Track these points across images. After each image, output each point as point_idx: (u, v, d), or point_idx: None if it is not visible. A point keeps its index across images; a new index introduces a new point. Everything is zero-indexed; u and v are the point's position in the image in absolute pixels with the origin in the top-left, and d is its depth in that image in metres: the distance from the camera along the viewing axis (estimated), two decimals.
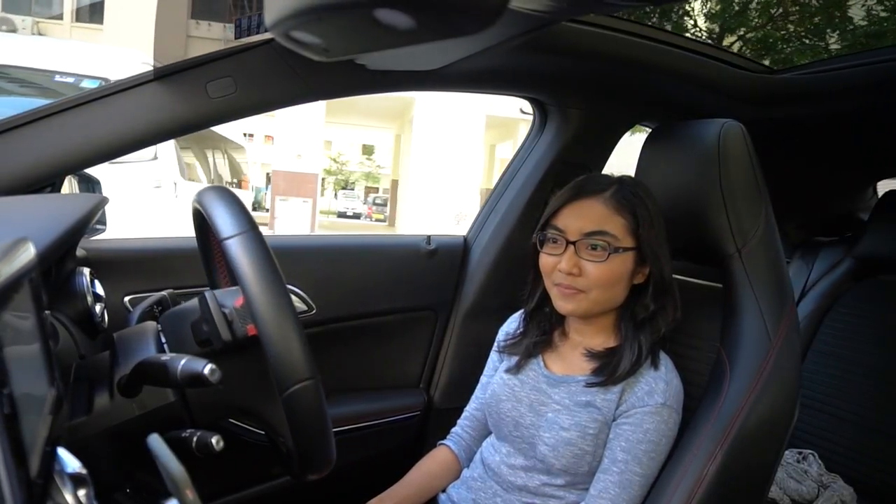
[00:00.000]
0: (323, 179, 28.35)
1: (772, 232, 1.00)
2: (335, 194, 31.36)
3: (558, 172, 1.34)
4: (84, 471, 0.46)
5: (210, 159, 5.63)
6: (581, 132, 1.33)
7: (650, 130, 1.19)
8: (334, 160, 29.22)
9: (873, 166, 1.80)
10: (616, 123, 1.38)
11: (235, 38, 0.93)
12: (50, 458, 0.45)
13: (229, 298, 0.67)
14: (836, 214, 1.90)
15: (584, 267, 0.91)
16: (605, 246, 0.91)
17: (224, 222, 0.63)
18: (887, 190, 1.69)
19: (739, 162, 0.97)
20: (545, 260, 0.96)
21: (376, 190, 31.79)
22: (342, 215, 25.53)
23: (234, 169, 6.49)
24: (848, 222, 1.87)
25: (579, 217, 0.93)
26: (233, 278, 0.84)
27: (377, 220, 23.84)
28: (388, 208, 21.85)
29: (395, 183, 18.38)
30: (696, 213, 1.00)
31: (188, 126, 0.96)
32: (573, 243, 0.92)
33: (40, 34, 12.05)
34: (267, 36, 0.92)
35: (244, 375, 0.70)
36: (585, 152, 1.36)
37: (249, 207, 6.25)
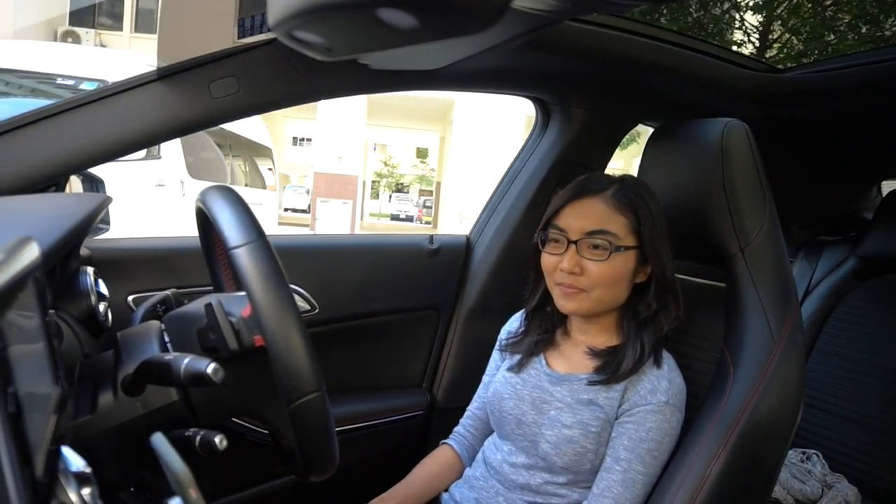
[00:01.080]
0: (374, 182, 28.23)
1: (775, 231, 1.00)
2: (389, 197, 31.35)
3: (561, 172, 1.34)
4: (88, 469, 0.46)
5: (230, 164, 5.73)
6: (584, 132, 1.33)
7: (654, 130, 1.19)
8: (385, 163, 29.10)
9: (877, 166, 1.80)
10: (619, 123, 1.38)
11: (238, 38, 0.93)
12: (54, 457, 0.45)
13: (236, 307, 0.67)
14: (839, 214, 1.90)
15: (586, 266, 0.91)
16: (607, 245, 0.91)
17: (231, 230, 0.63)
18: (891, 189, 1.69)
19: (742, 161, 0.97)
20: (547, 259, 0.96)
21: (430, 193, 31.59)
22: (395, 218, 25.62)
23: (263, 172, 6.58)
24: (852, 222, 1.87)
25: (580, 216, 0.93)
26: (237, 282, 0.84)
27: (426, 223, 23.96)
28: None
29: (438, 185, 18.34)
30: (699, 212, 1.00)
31: (191, 125, 0.96)
32: (574, 242, 0.92)
33: (102, 45, 12.26)
34: (269, 36, 0.92)
35: (249, 380, 0.70)
36: (588, 152, 1.36)
37: (257, 210, 6.28)
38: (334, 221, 11.15)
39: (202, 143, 5.17)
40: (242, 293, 0.65)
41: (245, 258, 0.61)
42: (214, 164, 5.31)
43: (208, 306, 0.66)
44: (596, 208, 0.93)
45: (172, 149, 4.43)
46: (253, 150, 6.35)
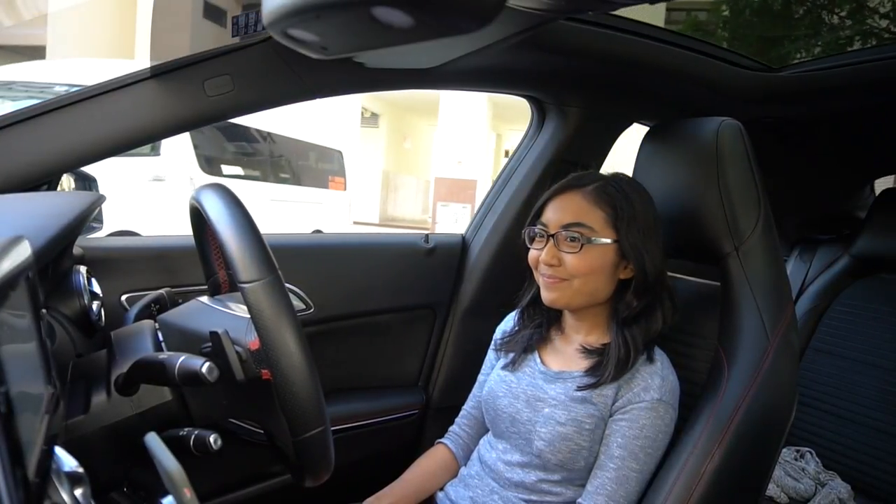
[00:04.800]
0: None
1: (769, 230, 1.00)
2: None
3: (556, 171, 1.34)
4: (81, 469, 0.46)
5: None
6: (579, 131, 1.33)
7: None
8: None
9: (871, 164, 1.81)
10: (614, 122, 1.38)
11: (233, 36, 0.93)
12: (47, 457, 0.45)
13: (242, 336, 0.67)
14: (833, 212, 1.91)
15: (563, 258, 0.93)
16: (580, 237, 0.92)
17: (243, 263, 0.61)
18: (884, 188, 1.70)
19: (737, 160, 0.97)
20: (532, 254, 0.98)
21: None
22: None
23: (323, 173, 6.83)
24: (845, 220, 1.88)
25: (560, 210, 0.95)
26: (233, 284, 0.83)
27: None
28: None
29: None
30: (694, 211, 1.00)
31: (186, 124, 0.96)
32: (553, 236, 0.94)
33: None
34: (265, 34, 0.92)
35: (247, 393, 0.69)
36: (583, 151, 1.36)
37: (316, 209, 6.42)
38: (453, 224, 11.32)
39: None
40: (246, 316, 0.64)
41: (258, 296, 0.60)
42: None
43: (214, 335, 0.65)
44: (574, 202, 0.95)
45: (177, 146, 4.57)
46: (317, 153, 6.62)
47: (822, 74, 1.30)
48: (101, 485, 0.62)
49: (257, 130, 5.70)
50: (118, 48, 8.92)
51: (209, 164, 5.09)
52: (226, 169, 5.32)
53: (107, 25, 9.13)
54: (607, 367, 0.92)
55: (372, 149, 14.51)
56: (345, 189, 7.11)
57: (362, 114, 13.58)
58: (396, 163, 15.89)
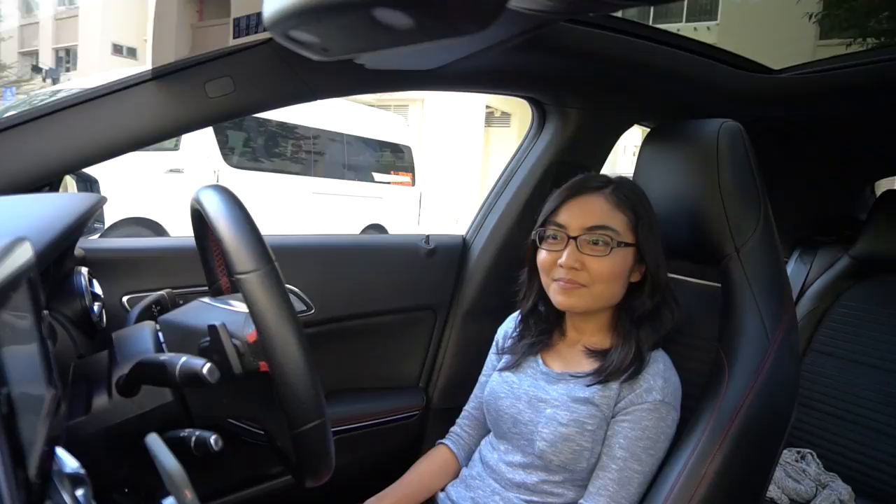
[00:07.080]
0: None
1: (770, 231, 1.00)
2: None
3: (557, 173, 1.34)
4: (82, 471, 0.46)
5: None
6: (579, 132, 1.33)
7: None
8: None
9: (871, 166, 1.81)
10: (615, 124, 1.38)
11: (234, 38, 0.93)
12: (48, 459, 0.45)
13: (240, 329, 0.67)
14: (834, 214, 1.91)
15: (586, 262, 0.92)
16: (608, 240, 0.91)
17: (238, 254, 0.62)
18: (885, 190, 1.70)
19: (737, 162, 0.98)
20: (544, 256, 0.96)
21: None
22: None
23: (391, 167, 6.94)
24: (846, 222, 1.88)
25: (581, 213, 0.94)
26: (233, 284, 0.84)
27: None
28: None
29: None
30: (695, 212, 1.01)
31: (187, 125, 0.96)
32: (574, 238, 0.93)
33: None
34: (265, 35, 0.92)
35: (246, 389, 0.69)
36: (584, 152, 1.36)
37: (372, 203, 6.52)
38: None
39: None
40: (245, 311, 0.64)
41: (253, 286, 0.60)
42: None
43: (212, 328, 0.65)
44: (597, 205, 0.94)
45: (198, 140, 4.76)
46: (380, 148, 6.71)
47: (821, 76, 1.30)
48: (102, 486, 0.62)
49: (305, 126, 5.77)
50: None
51: (247, 157, 5.23)
52: (263, 164, 5.41)
53: None
54: (615, 366, 0.92)
55: (504, 148, 14.05)
56: (412, 185, 7.01)
57: (493, 113, 13.16)
58: None
